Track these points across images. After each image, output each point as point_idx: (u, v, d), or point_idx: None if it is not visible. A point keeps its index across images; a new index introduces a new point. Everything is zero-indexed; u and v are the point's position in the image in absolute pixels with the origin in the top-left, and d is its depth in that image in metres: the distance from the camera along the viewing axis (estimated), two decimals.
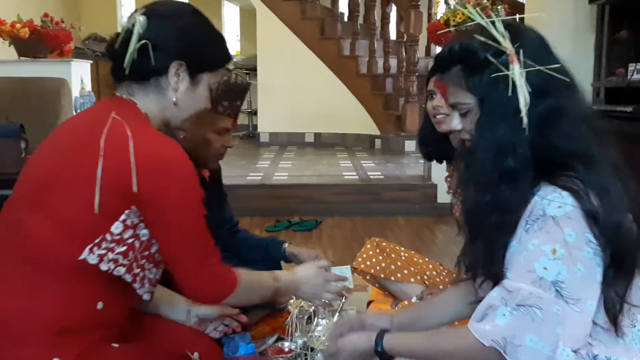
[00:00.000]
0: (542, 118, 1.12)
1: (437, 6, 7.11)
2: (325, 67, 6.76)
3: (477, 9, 1.21)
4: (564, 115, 1.14)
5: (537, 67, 1.12)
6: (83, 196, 1.18)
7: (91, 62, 4.75)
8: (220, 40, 1.40)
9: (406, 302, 2.03)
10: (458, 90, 1.20)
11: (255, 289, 1.47)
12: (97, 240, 1.20)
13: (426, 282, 2.19)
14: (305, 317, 1.79)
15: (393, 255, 2.22)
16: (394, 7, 6.86)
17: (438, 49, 7.02)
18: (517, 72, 1.12)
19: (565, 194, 1.09)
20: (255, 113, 7.72)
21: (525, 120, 1.11)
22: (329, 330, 1.72)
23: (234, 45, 9.59)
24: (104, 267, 1.22)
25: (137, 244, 1.24)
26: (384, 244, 2.26)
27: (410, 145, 5.96)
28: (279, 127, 7.05)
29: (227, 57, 1.42)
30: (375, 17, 6.92)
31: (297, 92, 6.75)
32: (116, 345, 1.27)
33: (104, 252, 1.21)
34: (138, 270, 1.27)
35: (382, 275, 2.18)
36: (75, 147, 1.25)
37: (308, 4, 6.89)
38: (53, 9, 4.97)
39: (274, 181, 4.71)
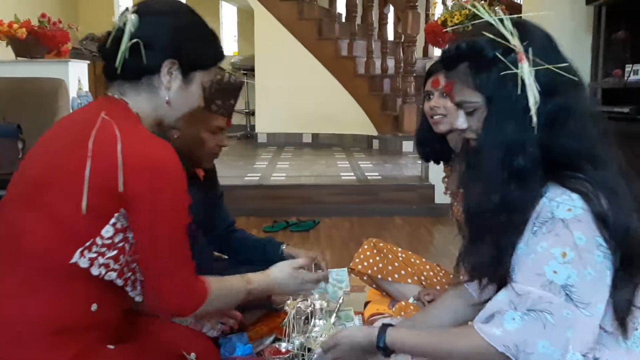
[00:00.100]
0: (551, 117, 1.11)
1: (435, 7, 7.12)
2: (322, 67, 6.76)
3: (483, 4, 1.19)
4: (572, 115, 1.12)
5: (546, 66, 1.10)
6: (73, 198, 1.17)
7: (88, 62, 4.75)
8: (212, 38, 1.38)
9: (403, 303, 2.04)
10: (464, 89, 1.18)
11: (227, 295, 1.43)
12: (87, 244, 1.19)
13: (423, 283, 2.19)
14: (303, 318, 1.78)
15: (390, 256, 2.22)
16: (391, 8, 6.86)
17: (436, 50, 7.03)
18: (526, 71, 1.10)
19: (575, 196, 1.08)
20: (252, 113, 7.72)
21: (535, 119, 1.09)
22: (326, 331, 1.72)
23: (231, 45, 9.59)
24: (94, 271, 1.21)
25: (127, 247, 1.24)
26: (381, 244, 2.26)
27: (408, 145, 5.97)
28: (276, 127, 7.05)
29: (220, 54, 1.41)
30: (373, 18, 6.93)
31: (294, 92, 6.75)
32: (112, 346, 1.27)
33: (94, 255, 1.20)
34: (129, 274, 1.27)
35: (379, 276, 2.19)
36: (65, 148, 1.24)
37: (306, 5, 6.89)
38: (50, 10, 4.96)
39: (272, 182, 4.71)
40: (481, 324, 1.12)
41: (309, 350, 1.70)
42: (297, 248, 2.19)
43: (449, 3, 4.07)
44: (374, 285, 2.28)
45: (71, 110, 3.92)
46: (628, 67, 3.21)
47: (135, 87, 1.30)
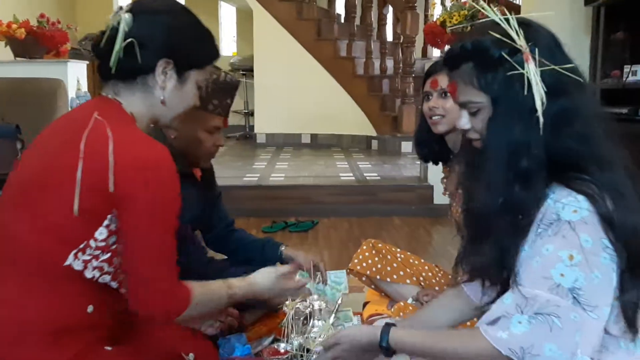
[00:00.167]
0: (556, 118, 1.10)
1: (434, 8, 7.14)
2: (321, 68, 6.76)
3: (483, 5, 1.18)
4: (577, 116, 1.12)
5: (552, 66, 1.09)
6: (65, 199, 1.16)
7: (87, 62, 4.74)
8: (207, 37, 1.37)
9: (402, 303, 2.03)
10: (469, 89, 1.17)
11: (210, 300, 1.41)
12: (81, 246, 1.18)
13: (422, 284, 2.19)
14: (302, 318, 1.78)
15: (389, 257, 2.22)
16: (390, 9, 6.86)
17: (435, 51, 7.04)
18: (532, 71, 1.09)
19: (581, 197, 1.07)
20: (251, 114, 7.71)
21: (541, 120, 1.08)
22: (325, 332, 1.72)
23: (230, 46, 9.59)
24: (88, 274, 1.21)
25: (120, 249, 1.23)
26: (379, 245, 2.26)
27: (407, 146, 5.96)
28: (275, 128, 7.04)
29: (215, 53, 1.40)
30: (372, 19, 6.93)
31: (293, 93, 6.75)
32: (109, 348, 1.26)
33: (88, 258, 1.19)
34: (123, 276, 1.26)
35: (378, 277, 2.19)
36: (57, 149, 1.23)
37: (305, 5, 6.89)
38: (49, 10, 4.96)
39: (271, 182, 4.71)
40: (487, 326, 1.11)
41: (308, 350, 1.70)
42: (296, 249, 2.19)
43: (448, 4, 4.07)
44: (372, 286, 2.28)
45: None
46: (627, 68, 3.22)
47: (130, 87, 1.29)
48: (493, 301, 1.17)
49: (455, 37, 4.04)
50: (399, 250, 2.30)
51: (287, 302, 1.80)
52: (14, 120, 3.17)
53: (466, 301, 1.41)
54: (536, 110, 1.08)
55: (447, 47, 4.28)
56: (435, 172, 3.31)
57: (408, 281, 2.17)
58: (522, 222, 1.11)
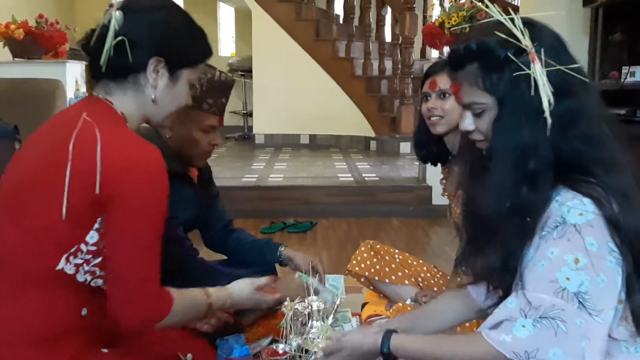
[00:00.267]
0: (562, 119, 1.09)
1: (432, 9, 7.14)
2: (320, 68, 6.75)
3: (491, 4, 1.16)
4: (583, 116, 1.11)
5: (558, 67, 1.08)
6: (55, 202, 1.14)
7: (86, 63, 4.73)
8: (199, 35, 1.35)
9: (400, 304, 2.04)
10: (473, 90, 1.15)
11: (192, 306, 1.38)
12: (72, 250, 1.17)
13: (420, 284, 2.19)
14: (300, 319, 1.78)
15: (387, 258, 2.23)
16: (389, 10, 6.86)
17: (433, 52, 7.05)
18: (539, 72, 1.07)
19: (586, 200, 1.06)
20: (250, 114, 7.71)
21: (549, 121, 1.07)
22: (323, 332, 1.71)
23: (229, 46, 9.58)
24: (80, 278, 1.20)
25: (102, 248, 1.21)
26: (378, 246, 2.26)
27: (405, 147, 5.97)
28: (274, 128, 7.04)
29: (208, 51, 1.37)
30: (371, 19, 6.92)
31: (292, 93, 6.74)
32: (105, 350, 1.26)
33: (80, 262, 1.18)
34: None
35: (376, 278, 2.19)
36: (46, 152, 1.21)
37: (303, 6, 6.89)
38: (48, 10, 4.96)
39: (269, 183, 4.71)
40: (489, 330, 1.10)
41: (306, 351, 1.70)
42: (295, 250, 2.18)
43: (447, 5, 4.07)
44: (371, 287, 2.28)
45: None
46: (625, 69, 3.22)
47: (121, 86, 1.27)
48: (496, 305, 1.16)
49: (454, 38, 4.05)
50: (397, 251, 2.30)
51: (285, 303, 1.80)
52: (12, 121, 3.17)
53: (466, 303, 1.40)
54: (543, 111, 1.07)
55: (447, 48, 4.29)
56: (434, 173, 3.31)
57: (406, 282, 2.18)
58: (527, 224, 1.10)
